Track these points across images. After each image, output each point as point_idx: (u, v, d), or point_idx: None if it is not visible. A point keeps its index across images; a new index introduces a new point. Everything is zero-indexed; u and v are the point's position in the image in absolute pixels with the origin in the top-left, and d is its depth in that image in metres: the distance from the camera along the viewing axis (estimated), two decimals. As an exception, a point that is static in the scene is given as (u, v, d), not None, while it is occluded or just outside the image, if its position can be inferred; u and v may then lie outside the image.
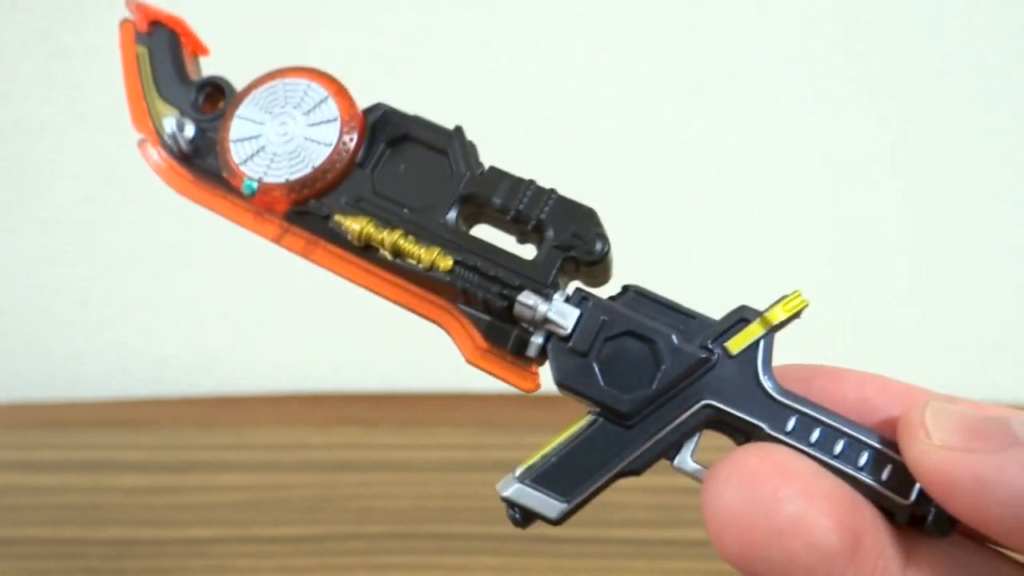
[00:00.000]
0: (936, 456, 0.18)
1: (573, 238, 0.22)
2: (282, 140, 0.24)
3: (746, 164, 0.61)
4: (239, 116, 0.24)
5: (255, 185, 0.24)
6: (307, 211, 0.24)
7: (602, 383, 0.21)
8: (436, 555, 0.50)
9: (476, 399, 0.62)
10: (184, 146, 0.24)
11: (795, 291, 0.21)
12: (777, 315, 0.21)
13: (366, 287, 0.24)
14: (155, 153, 0.25)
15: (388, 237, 0.23)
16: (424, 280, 0.23)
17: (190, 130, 0.24)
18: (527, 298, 0.22)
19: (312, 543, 0.51)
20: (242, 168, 0.24)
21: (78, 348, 0.66)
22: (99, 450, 0.58)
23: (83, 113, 0.60)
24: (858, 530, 0.18)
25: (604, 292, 0.23)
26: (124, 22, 0.25)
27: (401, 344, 0.65)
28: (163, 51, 0.25)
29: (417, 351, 0.66)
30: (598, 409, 0.21)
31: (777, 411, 0.20)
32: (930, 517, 0.19)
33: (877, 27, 0.59)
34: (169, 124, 0.24)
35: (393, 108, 0.24)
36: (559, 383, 0.22)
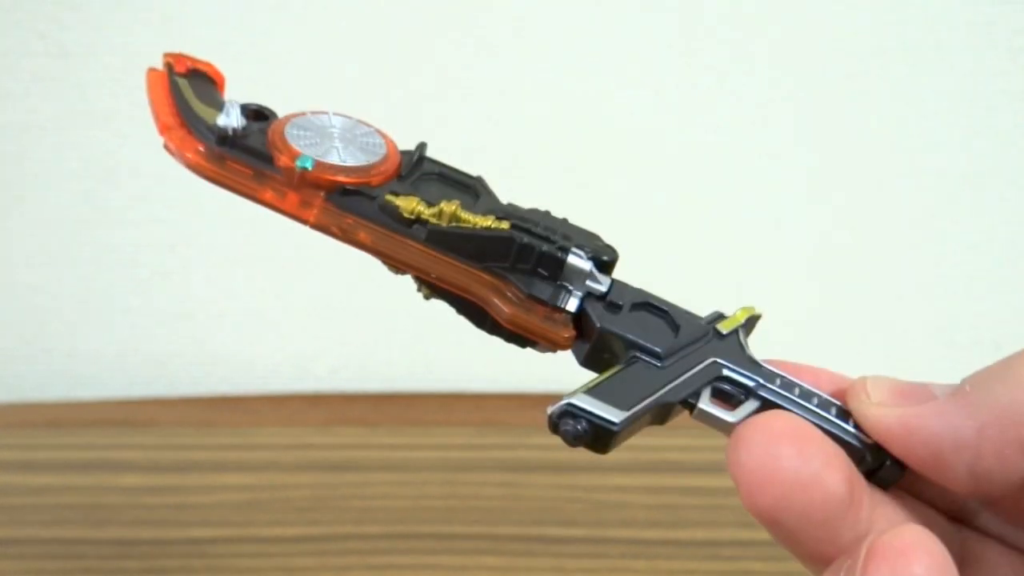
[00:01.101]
0: (874, 411, 0.22)
1: (589, 245, 0.26)
2: (334, 143, 0.26)
3: (745, 164, 0.61)
4: (294, 123, 0.26)
5: (311, 161, 0.25)
6: (356, 192, 0.25)
7: (638, 329, 0.25)
8: (436, 555, 0.50)
9: (476, 399, 0.62)
10: (238, 127, 0.26)
11: (748, 306, 0.26)
12: (742, 316, 0.25)
13: (405, 261, 0.25)
14: (184, 142, 0.26)
15: (447, 207, 0.25)
16: (470, 250, 0.25)
17: (239, 117, 0.26)
18: (579, 251, 0.25)
19: (312, 543, 0.51)
20: (299, 148, 0.26)
21: (78, 348, 0.66)
22: (99, 450, 0.58)
23: (83, 113, 0.60)
24: (854, 481, 0.22)
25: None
26: (152, 70, 0.27)
27: (401, 344, 0.66)
28: (202, 86, 0.27)
29: (417, 351, 0.66)
30: (633, 353, 0.24)
31: (765, 373, 0.24)
32: (886, 465, 0.23)
33: (867, 31, 0.59)
34: (231, 106, 0.26)
35: (428, 155, 0.27)
36: (601, 330, 0.25)
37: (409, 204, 0.25)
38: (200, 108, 0.26)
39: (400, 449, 0.58)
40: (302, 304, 0.64)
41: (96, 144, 0.61)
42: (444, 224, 0.25)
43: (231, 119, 0.26)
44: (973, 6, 0.58)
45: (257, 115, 0.27)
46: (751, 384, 0.24)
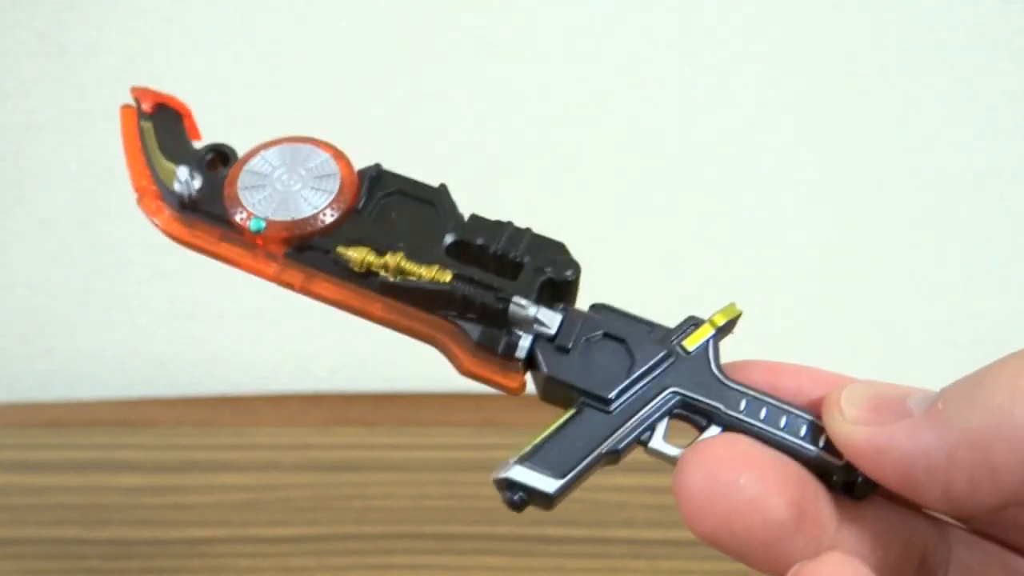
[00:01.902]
0: (846, 429, 0.22)
1: (548, 264, 0.25)
2: (287, 188, 0.27)
3: (744, 165, 0.61)
4: (247, 169, 0.27)
5: (263, 223, 0.26)
6: (310, 246, 0.26)
7: (585, 374, 0.24)
8: (436, 555, 0.50)
9: (476, 399, 0.62)
10: (193, 193, 0.26)
11: (731, 303, 0.25)
12: (719, 320, 0.25)
13: (362, 311, 0.26)
14: (156, 207, 0.27)
15: (391, 259, 0.25)
16: (420, 300, 0.26)
17: (198, 180, 0.26)
18: (520, 300, 0.25)
19: (312, 543, 0.51)
20: (251, 208, 0.26)
21: (78, 348, 0.66)
22: (99, 450, 0.58)
23: (83, 113, 0.60)
24: (803, 503, 0.22)
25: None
26: (125, 107, 0.28)
27: (401, 344, 0.65)
28: (167, 125, 0.28)
29: (417, 351, 0.66)
30: (581, 399, 0.24)
31: (730, 395, 0.24)
32: (858, 481, 0.23)
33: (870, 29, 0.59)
34: (182, 172, 0.26)
35: (387, 169, 0.27)
36: (549, 376, 0.25)
37: (359, 256, 0.26)
38: (162, 166, 0.27)
39: (400, 449, 0.58)
40: (302, 304, 0.64)
41: (96, 144, 0.61)
42: (391, 277, 0.25)
43: (185, 185, 0.26)
44: (973, 6, 0.58)
45: (218, 157, 0.27)
46: (712, 411, 0.24)
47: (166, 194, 0.27)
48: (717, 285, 0.63)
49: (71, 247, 0.63)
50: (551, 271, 0.25)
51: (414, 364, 0.65)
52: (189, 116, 0.28)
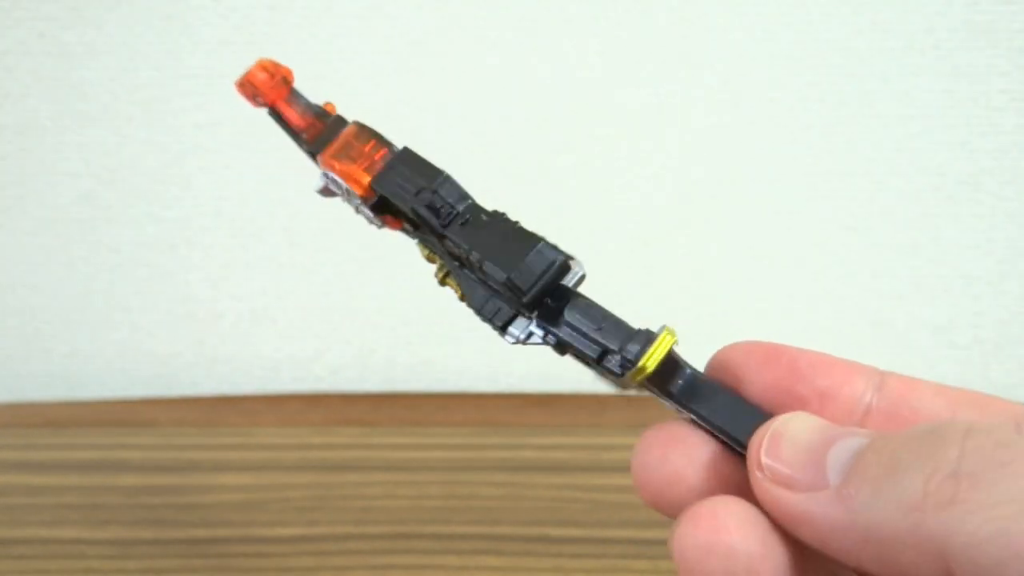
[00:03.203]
0: (762, 488, 0.21)
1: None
2: None
3: (743, 165, 0.61)
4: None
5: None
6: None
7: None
8: (436, 555, 0.50)
9: (476, 399, 0.62)
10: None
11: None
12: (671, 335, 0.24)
13: None
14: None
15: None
16: None
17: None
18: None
19: (312, 543, 0.51)
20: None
21: (78, 348, 0.66)
22: (99, 450, 0.58)
23: (83, 113, 0.60)
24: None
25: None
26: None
27: (401, 344, 0.65)
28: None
29: (417, 351, 0.66)
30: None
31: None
32: None
33: (872, 29, 0.59)
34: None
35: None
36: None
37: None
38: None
39: (400, 449, 0.58)
40: (302, 304, 0.64)
41: (96, 144, 0.61)
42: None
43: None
44: (973, 6, 0.58)
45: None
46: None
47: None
48: (715, 286, 0.63)
49: (71, 247, 0.63)
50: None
51: (414, 364, 0.65)
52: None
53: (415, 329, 0.64)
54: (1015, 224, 0.63)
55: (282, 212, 0.62)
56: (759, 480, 0.21)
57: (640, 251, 0.62)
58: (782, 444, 0.21)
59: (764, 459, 0.21)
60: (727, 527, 0.21)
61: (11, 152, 0.61)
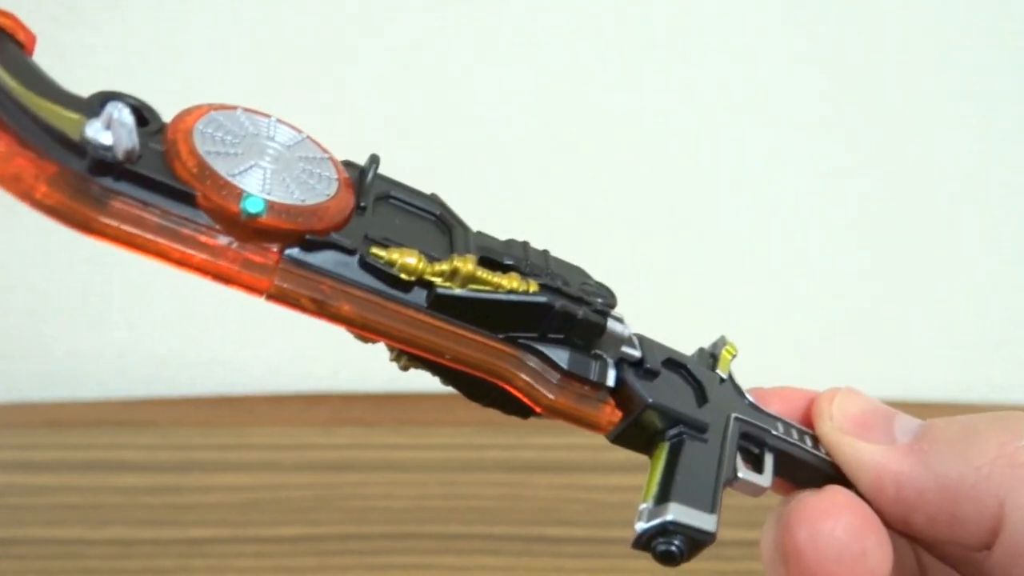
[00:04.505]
0: (835, 436, 0.23)
1: (581, 288, 0.21)
2: (276, 164, 0.18)
3: (747, 170, 0.61)
4: (201, 130, 0.18)
5: (263, 203, 0.17)
6: (325, 244, 0.19)
7: (680, 400, 0.22)
8: (436, 555, 0.50)
9: (476, 399, 0.61)
10: (135, 147, 0.17)
11: (722, 335, 0.24)
12: (733, 349, 0.24)
13: (409, 338, 0.20)
14: (33, 170, 0.17)
15: (461, 264, 0.19)
16: (487, 318, 0.20)
17: (131, 129, 0.17)
18: (617, 314, 0.21)
19: (312, 543, 0.51)
20: (236, 182, 0.17)
21: (78, 348, 0.66)
22: (99, 450, 0.58)
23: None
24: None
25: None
26: None
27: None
28: (16, 58, 0.18)
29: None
30: (678, 428, 0.22)
31: (767, 419, 0.23)
32: None
33: (876, 29, 0.59)
34: (117, 112, 0.16)
35: (369, 167, 0.21)
36: (651, 405, 0.21)
37: (407, 261, 0.19)
38: (38, 104, 0.17)
39: (400, 449, 0.58)
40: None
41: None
42: (457, 288, 0.19)
43: (120, 132, 0.16)
44: (973, 5, 0.58)
45: (133, 116, 0.17)
46: (764, 436, 0.23)
47: (43, 146, 0.17)
48: (717, 288, 0.63)
49: (71, 247, 0.63)
50: (598, 297, 0.21)
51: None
52: (32, 46, 0.19)
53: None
54: (1016, 224, 0.63)
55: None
56: (830, 428, 0.23)
57: (640, 252, 0.62)
58: (851, 401, 0.23)
59: (835, 409, 0.23)
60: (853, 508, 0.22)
61: (11, 152, 0.61)
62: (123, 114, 0.16)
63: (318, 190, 0.19)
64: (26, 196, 0.17)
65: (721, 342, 0.24)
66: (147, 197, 0.17)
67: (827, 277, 0.64)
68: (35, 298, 0.65)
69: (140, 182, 0.17)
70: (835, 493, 0.22)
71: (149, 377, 0.66)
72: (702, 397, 0.22)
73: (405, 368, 0.22)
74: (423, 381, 0.70)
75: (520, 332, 0.20)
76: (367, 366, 0.66)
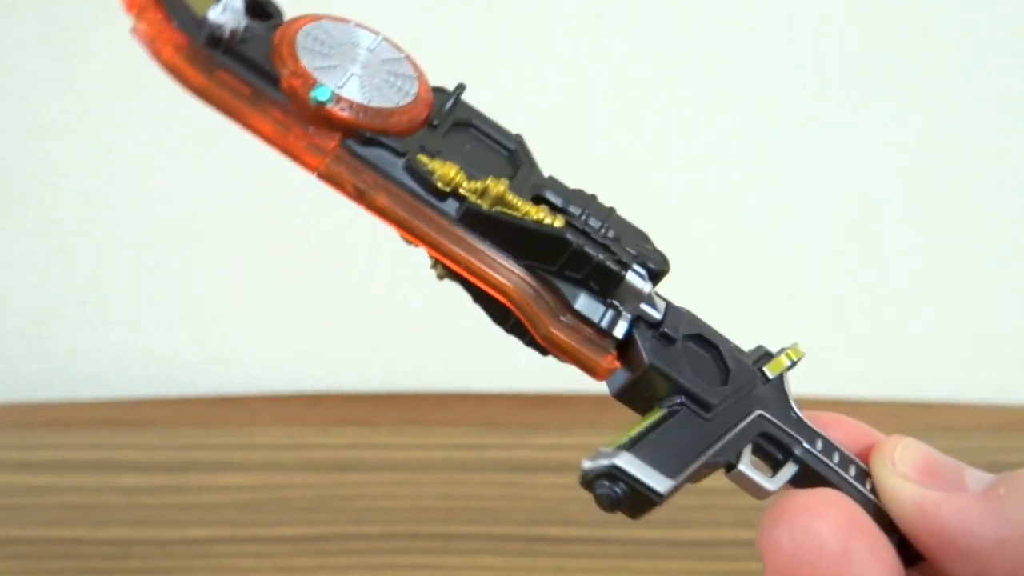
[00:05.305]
0: (895, 483, 0.21)
1: (638, 249, 0.22)
2: (362, 70, 0.21)
3: (745, 169, 0.61)
4: (306, 32, 0.21)
5: (330, 92, 0.20)
6: (377, 142, 0.21)
7: (689, 372, 0.22)
8: (436, 555, 0.50)
9: (476, 399, 0.62)
10: (240, 27, 0.20)
11: (795, 343, 0.23)
12: (793, 355, 0.23)
13: (432, 242, 0.21)
14: (160, 31, 0.21)
15: (493, 185, 0.21)
16: (511, 243, 0.21)
17: (240, 14, 0.20)
18: (639, 268, 0.22)
19: (312, 543, 0.51)
20: (316, 74, 0.21)
21: (78, 348, 0.66)
22: (99, 450, 0.58)
23: (83, 113, 0.60)
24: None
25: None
26: None
27: (401, 344, 0.65)
28: None
29: (417, 351, 0.66)
30: (680, 399, 0.22)
31: (808, 432, 0.22)
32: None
33: (880, 29, 0.59)
34: (226, 2, 0.20)
35: (459, 95, 0.23)
36: (651, 367, 0.22)
37: (447, 172, 0.21)
38: None
39: (400, 449, 0.58)
40: (302, 304, 0.64)
41: (96, 144, 0.61)
42: (486, 206, 0.21)
43: (229, 15, 0.20)
44: (973, 5, 0.58)
45: (256, 10, 0.21)
46: (793, 446, 0.22)
47: (180, 20, 0.20)
48: (718, 289, 0.63)
49: (71, 247, 0.63)
50: (650, 259, 0.22)
51: (414, 364, 0.65)
52: None
53: (415, 329, 0.64)
54: (1016, 225, 0.63)
55: (283, 212, 0.62)
56: (888, 473, 0.21)
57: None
58: (913, 449, 0.22)
59: (898, 457, 0.22)
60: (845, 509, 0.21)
61: (11, 152, 0.61)
62: (235, 2, 0.20)
63: (391, 98, 0.21)
64: (157, 55, 0.21)
65: (788, 347, 0.23)
66: (243, 72, 0.21)
67: (827, 277, 0.64)
68: (36, 298, 0.65)
69: (240, 59, 0.20)
70: (827, 492, 0.21)
71: (149, 377, 0.66)
72: (723, 382, 0.22)
73: (440, 277, 0.23)
74: (423, 381, 0.70)
75: (539, 263, 0.21)
76: (367, 366, 0.66)
